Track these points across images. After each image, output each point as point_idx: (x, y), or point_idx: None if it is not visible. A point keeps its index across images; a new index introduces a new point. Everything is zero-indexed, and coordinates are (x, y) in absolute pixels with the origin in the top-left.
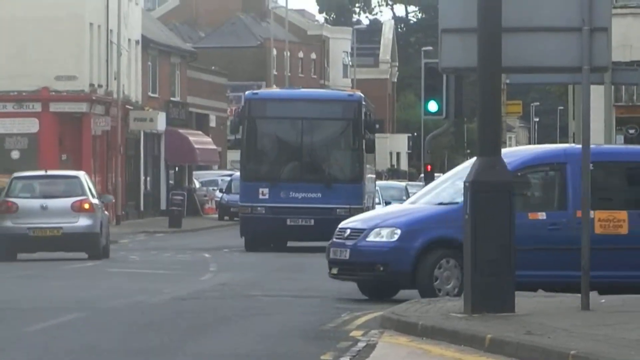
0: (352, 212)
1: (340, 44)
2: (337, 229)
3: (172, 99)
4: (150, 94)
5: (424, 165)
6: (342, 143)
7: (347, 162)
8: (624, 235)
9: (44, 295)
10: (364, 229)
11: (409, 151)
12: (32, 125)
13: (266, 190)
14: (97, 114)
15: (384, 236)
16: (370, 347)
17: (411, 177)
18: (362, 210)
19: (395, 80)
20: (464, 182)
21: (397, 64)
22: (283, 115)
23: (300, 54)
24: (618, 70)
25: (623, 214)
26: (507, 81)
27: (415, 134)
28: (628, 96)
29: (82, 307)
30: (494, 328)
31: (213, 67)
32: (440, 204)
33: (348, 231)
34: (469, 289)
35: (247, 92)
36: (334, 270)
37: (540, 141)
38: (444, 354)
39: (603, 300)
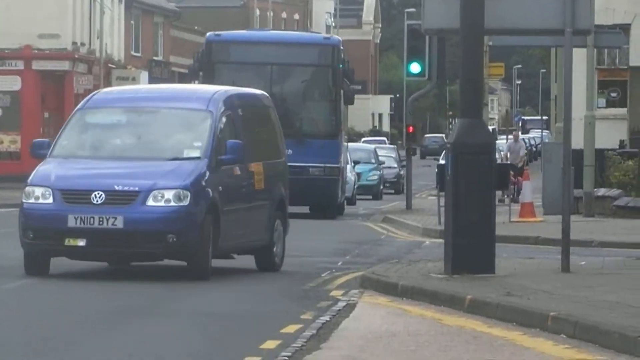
0: (327, 172)
1: (323, 4)
2: None
3: (154, 58)
4: (132, 53)
5: (406, 126)
6: (317, 93)
7: (322, 115)
8: None
9: None
10: None
11: (392, 112)
12: (14, 83)
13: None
14: (80, 72)
15: None
16: (350, 306)
17: (393, 138)
18: (338, 170)
19: (378, 41)
20: (446, 143)
21: (380, 25)
22: (249, 61)
23: (284, 15)
24: (600, 33)
25: None
26: (490, 43)
27: (398, 95)
28: (610, 59)
29: None
30: (474, 289)
31: (196, 27)
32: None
33: None
34: (449, 250)
35: (208, 34)
36: None
37: (522, 104)
38: (424, 314)
39: (583, 263)
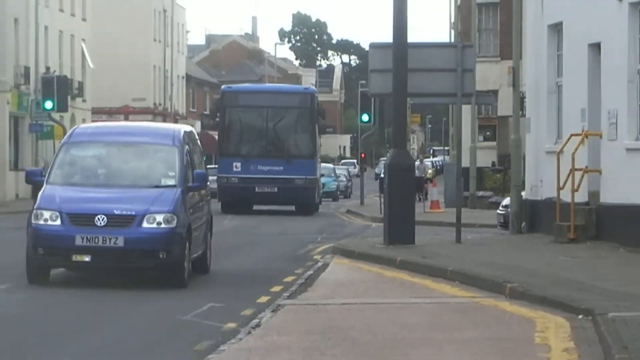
0: (307, 182)
1: (309, 78)
2: None
3: (204, 112)
4: (190, 109)
5: (359, 154)
6: (299, 127)
7: (303, 142)
8: None
9: None
10: None
11: (351, 145)
12: None
13: (239, 164)
14: (159, 122)
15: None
16: (326, 265)
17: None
18: (315, 180)
19: (343, 101)
20: (384, 164)
21: (344, 91)
22: (252, 105)
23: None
24: (479, 95)
25: None
26: (411, 102)
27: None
28: (485, 112)
29: None
30: (402, 254)
31: None
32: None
33: None
34: (387, 230)
35: (223, 86)
36: None
37: (432, 139)
38: (371, 269)
39: (469, 237)
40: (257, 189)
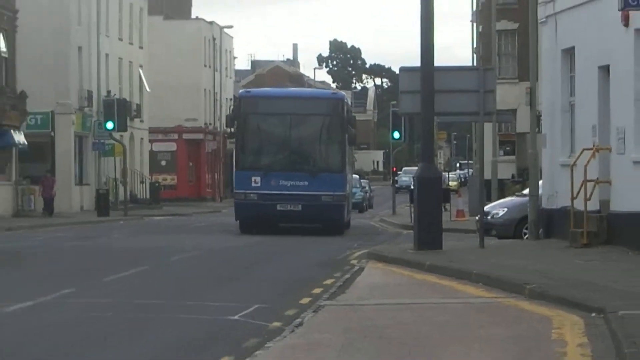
0: (335, 199)
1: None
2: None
3: None
4: None
5: (391, 168)
6: (326, 137)
7: (330, 154)
8: None
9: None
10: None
11: (383, 160)
12: (172, 147)
13: (258, 179)
14: (208, 140)
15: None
16: (361, 269)
17: (384, 175)
18: (344, 197)
19: (376, 120)
20: (413, 177)
21: (376, 111)
22: (273, 112)
23: None
24: (499, 114)
25: None
26: (438, 120)
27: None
28: (505, 128)
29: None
30: (430, 258)
31: None
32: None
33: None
34: (417, 237)
35: (240, 91)
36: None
37: (456, 154)
38: (402, 272)
39: (492, 243)
40: (278, 207)
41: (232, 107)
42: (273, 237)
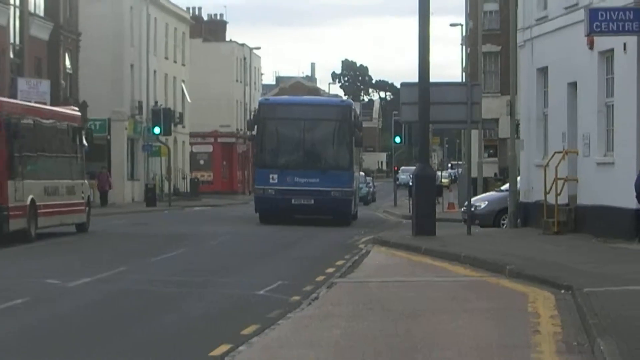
0: (343, 194)
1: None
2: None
3: None
4: None
5: (393, 167)
6: (335, 139)
7: (339, 154)
8: None
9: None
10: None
11: (387, 161)
12: (209, 148)
13: (275, 176)
14: (239, 143)
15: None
16: (368, 252)
17: (387, 173)
18: (352, 192)
19: (380, 127)
20: (411, 175)
21: (381, 119)
22: (289, 117)
23: None
24: (484, 122)
25: None
26: (432, 127)
27: (389, 152)
28: (489, 135)
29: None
30: (426, 243)
31: None
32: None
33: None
34: (414, 225)
35: (260, 98)
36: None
37: (448, 156)
38: (402, 255)
39: (477, 230)
40: (293, 201)
41: (252, 112)
42: (290, 227)
